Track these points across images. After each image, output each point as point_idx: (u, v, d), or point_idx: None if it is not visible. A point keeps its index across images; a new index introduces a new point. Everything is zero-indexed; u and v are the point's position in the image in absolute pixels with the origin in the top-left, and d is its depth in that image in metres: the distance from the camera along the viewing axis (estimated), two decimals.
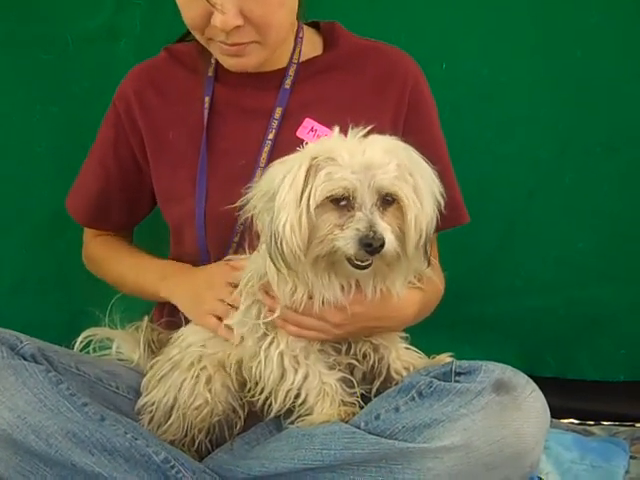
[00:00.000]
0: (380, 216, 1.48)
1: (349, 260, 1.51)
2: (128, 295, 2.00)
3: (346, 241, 1.47)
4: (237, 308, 1.69)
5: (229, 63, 1.80)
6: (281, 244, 1.48)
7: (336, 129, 1.56)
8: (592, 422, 2.43)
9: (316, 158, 1.48)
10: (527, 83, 2.29)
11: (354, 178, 1.46)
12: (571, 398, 2.44)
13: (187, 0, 1.72)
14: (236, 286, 1.70)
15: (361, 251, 1.46)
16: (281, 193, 1.47)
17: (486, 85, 2.29)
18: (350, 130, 1.54)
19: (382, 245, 1.46)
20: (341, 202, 1.48)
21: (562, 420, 2.40)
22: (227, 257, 1.79)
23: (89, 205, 2.04)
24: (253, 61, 1.78)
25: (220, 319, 1.72)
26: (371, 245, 1.45)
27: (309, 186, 1.47)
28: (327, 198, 1.47)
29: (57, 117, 2.30)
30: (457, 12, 2.26)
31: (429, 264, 1.61)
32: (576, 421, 2.43)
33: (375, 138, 1.52)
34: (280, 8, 1.72)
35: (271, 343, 1.65)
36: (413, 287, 1.71)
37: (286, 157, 1.56)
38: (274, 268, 1.54)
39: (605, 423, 2.43)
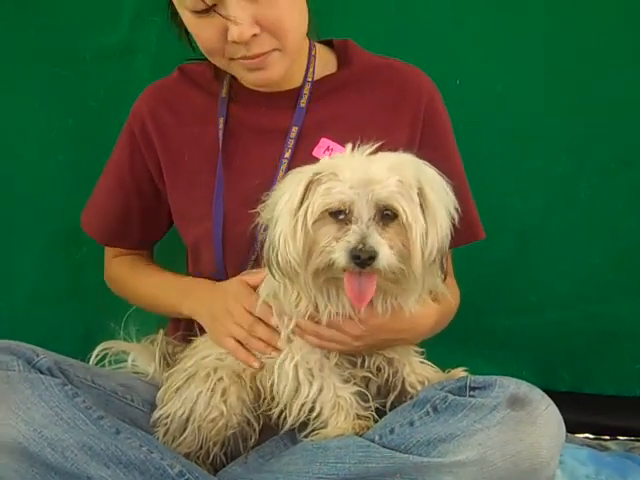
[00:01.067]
0: (378, 231, 1.48)
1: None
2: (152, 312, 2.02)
3: (339, 253, 1.47)
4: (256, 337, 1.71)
5: (253, 78, 1.79)
6: (276, 255, 1.50)
7: (348, 147, 1.57)
8: (608, 437, 2.42)
9: (319, 173, 1.50)
10: (542, 99, 2.29)
11: (352, 192, 1.47)
12: (586, 413, 2.43)
13: (200, 22, 1.71)
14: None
15: (351, 263, 1.46)
16: (279, 205, 1.50)
17: (501, 101, 2.29)
18: (357, 147, 1.55)
19: (372, 258, 1.45)
20: (339, 216, 1.49)
21: (577, 435, 2.39)
22: (244, 272, 1.80)
23: (108, 225, 2.04)
24: (276, 72, 1.77)
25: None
26: (359, 257, 1.45)
27: (308, 200, 1.49)
28: (325, 211, 1.48)
29: (74, 131, 2.32)
30: (472, 29, 2.27)
31: (445, 278, 1.61)
32: (591, 436, 2.42)
33: (384, 155, 1.53)
34: (291, 10, 1.72)
35: (286, 356, 1.65)
36: (428, 302, 1.72)
37: (294, 170, 1.58)
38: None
39: (621, 438, 2.41)
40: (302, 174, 1.52)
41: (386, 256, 1.47)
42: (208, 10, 1.68)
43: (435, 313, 1.76)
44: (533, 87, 2.28)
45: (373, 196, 1.47)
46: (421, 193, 1.51)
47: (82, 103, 2.30)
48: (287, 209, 1.49)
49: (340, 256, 1.47)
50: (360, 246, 1.44)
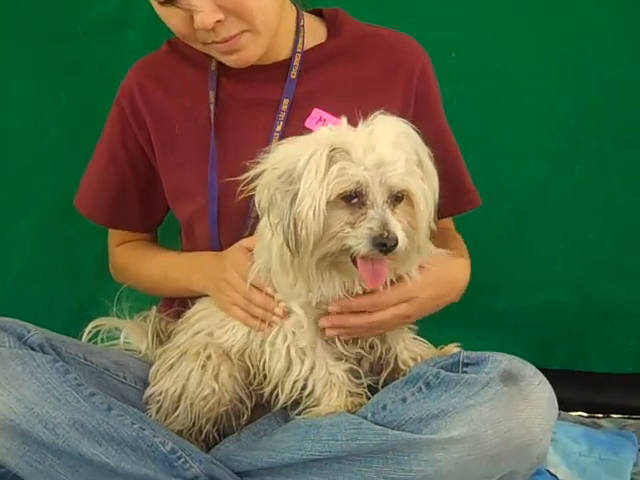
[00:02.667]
0: (391, 214, 1.47)
1: (354, 261, 1.51)
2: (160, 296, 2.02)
3: (358, 240, 1.46)
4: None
5: (230, 60, 1.78)
6: (301, 229, 1.46)
7: (344, 120, 1.55)
8: (601, 415, 2.43)
9: (334, 148, 1.47)
10: (537, 75, 2.28)
11: (367, 175, 1.45)
12: (580, 390, 2.44)
13: (167, 12, 1.71)
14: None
15: (374, 250, 1.45)
16: (307, 178, 1.45)
17: (496, 76, 2.28)
18: (360, 121, 1.53)
19: (396, 244, 1.45)
20: (353, 200, 1.47)
21: (571, 413, 2.39)
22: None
23: (106, 205, 2.00)
24: (251, 52, 1.76)
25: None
26: (385, 245, 1.44)
27: (325, 180, 1.46)
28: (339, 195, 1.46)
29: (66, 106, 2.30)
30: (469, 3, 2.25)
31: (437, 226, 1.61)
32: (585, 414, 2.43)
33: (382, 128, 1.50)
34: None
35: (277, 334, 1.65)
36: (456, 256, 1.76)
37: (297, 138, 1.55)
38: (279, 259, 1.54)
39: (614, 416, 2.42)
40: (318, 145, 1.47)
41: (403, 239, 1.47)
42: (170, 0, 1.67)
43: (467, 266, 1.81)
44: (529, 63, 2.27)
45: (386, 180, 1.46)
46: (420, 163, 1.51)
47: (75, 77, 2.28)
48: (317, 183, 1.45)
49: (361, 243, 1.46)
50: (385, 234, 1.44)
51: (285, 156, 1.52)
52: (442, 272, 1.69)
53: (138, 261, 2.01)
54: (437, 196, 1.55)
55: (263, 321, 1.68)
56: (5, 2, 2.23)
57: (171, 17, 1.72)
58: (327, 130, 1.55)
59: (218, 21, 1.68)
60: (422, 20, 2.21)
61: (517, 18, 2.24)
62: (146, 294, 2.01)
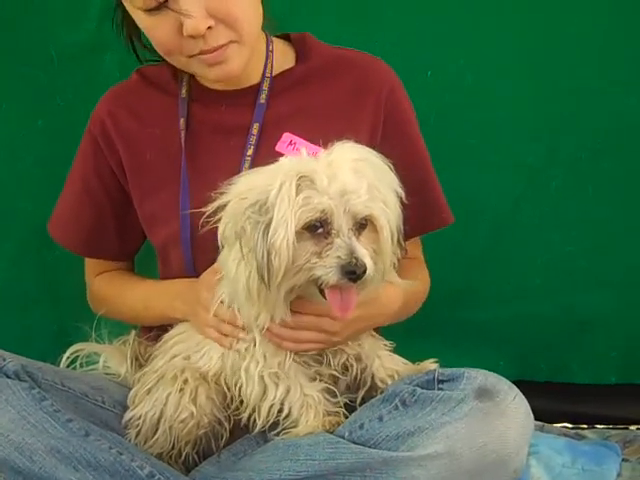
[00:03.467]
0: (357, 242, 1.48)
1: (322, 291, 1.52)
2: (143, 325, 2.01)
3: (327, 270, 1.47)
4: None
5: (214, 74, 1.78)
6: (275, 259, 1.46)
7: (303, 150, 1.56)
8: (585, 426, 2.43)
9: (300, 177, 1.47)
10: (511, 90, 2.29)
11: (331, 203, 1.46)
12: (563, 402, 2.45)
13: (154, 21, 1.71)
14: None
15: (344, 279, 1.46)
16: (280, 207, 1.46)
17: (471, 92, 2.29)
18: (320, 150, 1.54)
19: (364, 272, 1.46)
20: (318, 229, 1.48)
21: (555, 424, 2.40)
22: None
23: (82, 234, 2.00)
24: (236, 64, 1.76)
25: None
26: (354, 272, 1.45)
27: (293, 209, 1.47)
28: (304, 226, 1.47)
29: (42, 130, 2.30)
30: (441, 19, 2.26)
31: (406, 252, 1.63)
32: (570, 425, 2.43)
33: (342, 156, 1.51)
34: (243, 1, 1.72)
35: (250, 361, 1.65)
36: (394, 285, 1.72)
37: (261, 168, 1.56)
38: (246, 291, 1.54)
39: (598, 427, 2.42)
40: (285, 174, 1.48)
41: (371, 266, 1.48)
42: (159, 7, 1.67)
43: (401, 297, 1.78)
44: (503, 78, 2.28)
45: (350, 208, 1.47)
46: (381, 188, 1.52)
47: (51, 103, 2.28)
48: (289, 213, 1.45)
49: (330, 272, 1.46)
50: (354, 261, 1.45)
51: (252, 186, 1.52)
52: (372, 295, 1.65)
53: (118, 292, 2.01)
54: (401, 220, 1.56)
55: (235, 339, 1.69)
56: None
57: (158, 27, 1.72)
58: (288, 160, 1.55)
59: (209, 28, 1.69)
60: (397, 40, 2.23)
61: (490, 35, 2.26)
62: (127, 323, 2.01)
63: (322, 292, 1.52)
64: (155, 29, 1.73)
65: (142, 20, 1.73)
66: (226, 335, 1.70)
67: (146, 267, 2.07)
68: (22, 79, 2.27)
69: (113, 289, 2.03)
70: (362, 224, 1.50)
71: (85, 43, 2.26)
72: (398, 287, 1.74)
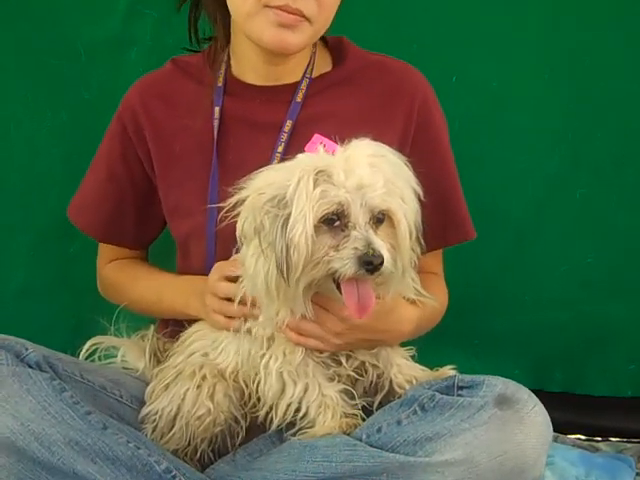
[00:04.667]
0: (374, 234, 1.48)
1: (338, 287, 1.52)
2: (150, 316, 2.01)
3: (344, 261, 1.47)
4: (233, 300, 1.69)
5: (272, 36, 1.76)
6: (294, 253, 1.47)
7: (320, 147, 1.57)
8: (599, 438, 2.42)
9: (318, 172, 1.48)
10: (537, 97, 2.29)
11: (348, 197, 1.47)
12: (579, 413, 2.44)
13: None
14: (231, 279, 1.70)
15: (361, 270, 1.46)
16: (298, 202, 1.46)
17: (496, 99, 2.29)
18: (338, 145, 1.55)
19: (382, 263, 1.46)
20: (335, 223, 1.48)
21: (569, 436, 2.39)
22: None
23: (103, 220, 2.02)
24: (298, 40, 1.77)
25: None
26: (372, 263, 1.45)
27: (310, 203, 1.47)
28: (321, 219, 1.47)
29: (67, 124, 2.31)
30: (467, 25, 2.27)
31: (425, 251, 1.61)
32: (583, 437, 2.42)
33: (359, 151, 1.52)
34: None
35: (269, 358, 1.65)
36: (411, 304, 1.73)
37: (280, 165, 1.58)
38: (266, 287, 1.54)
39: (613, 439, 2.41)
40: (303, 169, 1.49)
41: (388, 258, 1.47)
42: None
43: (416, 319, 1.77)
44: (529, 85, 2.28)
45: (367, 201, 1.47)
46: (397, 184, 1.52)
47: (76, 96, 2.29)
48: (308, 208, 1.46)
49: (347, 264, 1.46)
50: (371, 252, 1.45)
51: (270, 181, 1.53)
52: (386, 308, 1.65)
53: (130, 280, 2.02)
54: (419, 216, 1.55)
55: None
56: (7, 22, 2.25)
57: None
58: (305, 156, 1.56)
59: None
60: (423, 45, 2.23)
61: (516, 41, 2.26)
62: (135, 313, 2.01)
63: (339, 287, 1.52)
64: None
65: None
66: (232, 317, 1.71)
67: (165, 260, 2.07)
68: (49, 72, 2.28)
69: (125, 277, 2.04)
70: (379, 218, 1.50)
71: (112, 38, 2.27)
72: (414, 310, 1.74)
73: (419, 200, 1.56)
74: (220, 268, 1.75)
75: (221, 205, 1.62)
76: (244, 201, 1.55)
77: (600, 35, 2.23)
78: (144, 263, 2.09)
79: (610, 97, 2.27)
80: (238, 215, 1.57)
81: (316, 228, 1.47)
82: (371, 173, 1.48)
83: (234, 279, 1.69)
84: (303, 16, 1.74)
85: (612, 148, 2.30)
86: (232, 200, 1.57)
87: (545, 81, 2.28)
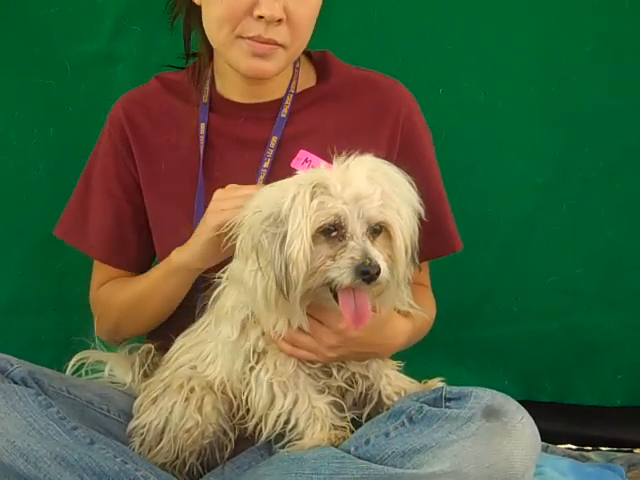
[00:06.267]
0: (371, 245, 1.49)
1: (335, 297, 1.52)
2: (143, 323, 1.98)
3: (341, 271, 1.47)
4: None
5: (248, 65, 1.79)
6: (292, 270, 1.47)
7: (322, 163, 1.58)
8: (590, 447, 2.42)
9: (315, 185, 1.48)
10: (524, 109, 2.31)
11: (345, 208, 1.47)
12: (568, 423, 2.44)
13: None
14: None
15: (358, 280, 1.46)
16: (294, 219, 1.47)
17: (483, 111, 2.31)
18: (335, 159, 1.55)
19: (378, 272, 1.46)
20: (332, 233, 1.49)
21: (559, 445, 2.39)
22: None
23: (105, 240, 1.99)
24: (273, 67, 1.80)
25: None
26: (368, 273, 1.45)
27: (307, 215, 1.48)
28: (319, 229, 1.48)
29: (54, 140, 2.32)
30: (455, 39, 2.28)
31: (420, 270, 1.62)
32: (574, 447, 2.42)
33: (357, 165, 1.52)
34: (314, 14, 1.80)
35: (260, 369, 1.64)
36: (404, 317, 1.73)
37: (278, 182, 1.57)
38: (264, 301, 1.54)
39: (603, 449, 2.41)
40: (299, 185, 1.49)
41: (384, 269, 1.47)
42: None
43: (408, 332, 1.77)
44: (516, 97, 2.30)
45: (364, 213, 1.48)
46: (395, 197, 1.52)
47: (63, 112, 2.30)
48: (304, 224, 1.46)
49: (344, 273, 1.47)
50: (368, 261, 1.45)
51: (266, 199, 1.53)
52: (381, 321, 1.65)
53: (119, 288, 1.98)
54: (416, 230, 1.56)
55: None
56: None
57: None
58: (304, 172, 1.57)
59: (279, 20, 1.73)
60: (410, 58, 2.25)
61: (502, 54, 2.28)
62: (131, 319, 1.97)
63: (336, 297, 1.52)
64: None
65: None
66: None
67: None
68: (35, 88, 2.30)
69: (116, 287, 1.99)
70: (376, 229, 1.50)
71: (98, 54, 2.28)
72: (407, 323, 1.75)
73: (420, 220, 1.57)
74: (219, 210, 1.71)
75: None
76: (242, 220, 1.56)
77: (589, 49, 2.25)
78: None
79: (598, 110, 2.29)
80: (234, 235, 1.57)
81: (314, 238, 1.48)
82: (368, 185, 1.49)
83: None
84: (277, 44, 1.76)
85: (599, 159, 2.32)
86: (232, 219, 1.58)
87: (533, 94, 2.30)
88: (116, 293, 1.99)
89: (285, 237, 1.47)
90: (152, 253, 2.02)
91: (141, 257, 2.03)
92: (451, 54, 2.28)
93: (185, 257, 1.79)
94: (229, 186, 1.73)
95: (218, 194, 1.72)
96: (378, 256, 1.47)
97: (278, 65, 1.80)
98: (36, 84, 2.28)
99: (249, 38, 1.76)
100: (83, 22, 2.26)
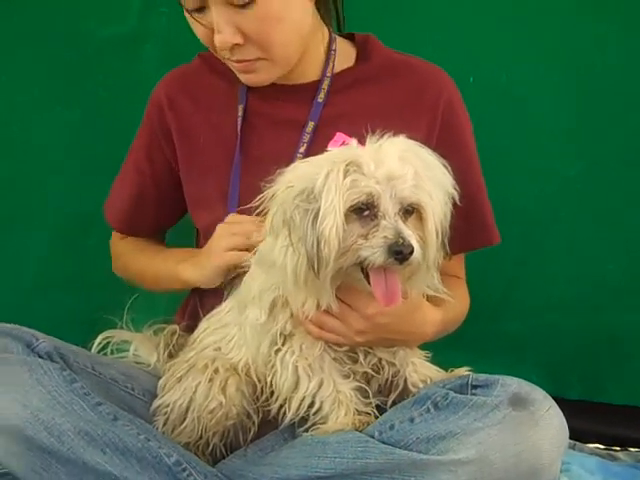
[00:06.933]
0: (403, 225, 1.47)
1: (367, 277, 1.51)
2: (150, 291, 2.02)
3: (374, 250, 1.45)
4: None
5: (243, 78, 1.83)
6: (324, 247, 1.46)
7: (354, 140, 1.56)
8: (618, 448, 2.39)
9: (348, 163, 1.47)
10: (555, 100, 2.28)
11: (378, 187, 1.46)
12: (596, 422, 2.41)
13: (192, 22, 1.75)
14: None
15: (390, 259, 1.45)
16: (327, 195, 1.46)
17: (514, 100, 2.29)
18: (368, 138, 1.54)
19: (411, 252, 1.44)
20: (364, 212, 1.47)
21: (588, 444, 2.35)
22: None
23: (124, 211, 2.06)
24: (264, 77, 1.81)
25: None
26: (401, 252, 1.44)
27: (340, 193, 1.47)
28: (351, 207, 1.46)
29: (83, 119, 2.34)
30: (485, 27, 2.26)
31: (450, 257, 1.60)
32: (602, 446, 2.39)
33: (390, 144, 1.51)
34: (278, 24, 1.72)
35: (286, 352, 1.64)
36: (435, 307, 1.73)
37: (311, 158, 1.56)
38: (294, 279, 1.53)
39: (632, 450, 2.38)
40: (333, 162, 1.48)
41: (417, 249, 1.46)
42: (199, 10, 1.72)
43: (439, 322, 1.76)
44: (547, 88, 2.27)
45: (396, 193, 1.46)
46: (429, 179, 1.51)
47: (91, 92, 2.32)
48: (337, 201, 1.45)
49: (377, 253, 1.45)
50: (401, 241, 1.43)
51: (300, 175, 1.52)
52: (411, 307, 1.65)
53: (134, 252, 2.07)
54: (448, 214, 1.54)
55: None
56: (23, 16, 2.28)
57: (196, 26, 1.76)
58: (338, 149, 1.55)
59: (237, 44, 1.72)
60: (440, 46, 2.23)
61: (534, 43, 2.25)
62: (137, 284, 2.04)
63: (367, 278, 1.50)
64: (194, 26, 1.77)
65: (185, 14, 1.76)
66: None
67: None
68: (64, 68, 2.32)
69: (131, 249, 2.09)
70: (408, 210, 1.48)
71: (127, 34, 2.30)
72: (438, 313, 1.74)
73: (453, 205, 1.55)
74: (230, 234, 1.78)
75: (248, 195, 1.63)
76: (274, 195, 1.54)
77: (615, 34, 2.22)
78: (157, 242, 2.12)
79: (626, 98, 2.24)
80: (266, 210, 1.56)
81: (346, 216, 1.46)
82: (401, 165, 1.47)
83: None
84: (251, 60, 1.76)
85: (630, 151, 2.28)
86: (264, 193, 1.56)
87: (564, 85, 2.26)
88: (128, 255, 2.08)
89: (318, 214, 1.45)
90: (168, 224, 2.11)
91: (156, 229, 2.11)
92: (483, 42, 2.25)
93: (194, 277, 1.86)
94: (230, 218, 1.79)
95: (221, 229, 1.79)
96: (411, 236, 1.46)
97: (268, 75, 1.81)
98: (63, 63, 2.30)
99: (228, 59, 1.78)
100: (112, 2, 2.27)
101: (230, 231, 1.76)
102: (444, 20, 2.26)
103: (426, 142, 1.77)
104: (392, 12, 2.27)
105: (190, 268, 1.86)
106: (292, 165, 1.58)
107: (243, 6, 1.68)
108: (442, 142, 1.87)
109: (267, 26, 1.71)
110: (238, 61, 1.77)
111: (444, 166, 1.54)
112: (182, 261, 1.89)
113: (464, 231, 1.64)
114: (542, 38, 2.24)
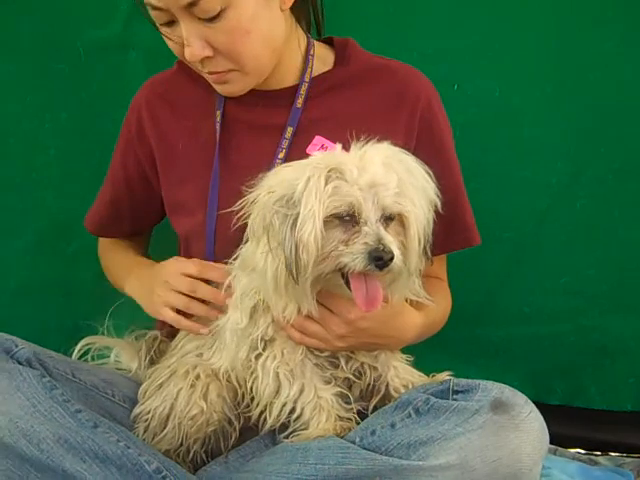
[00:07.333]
0: (385, 231, 1.47)
1: (347, 283, 1.51)
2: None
3: (354, 256, 1.46)
4: (197, 299, 1.74)
5: (218, 89, 1.84)
6: (303, 253, 1.46)
7: (338, 146, 1.56)
8: (599, 452, 2.39)
9: (330, 169, 1.47)
10: (539, 106, 2.27)
11: (360, 195, 1.46)
12: (577, 427, 2.41)
13: (163, 32, 1.76)
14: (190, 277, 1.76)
15: (371, 265, 1.45)
16: (307, 201, 1.46)
17: (498, 107, 2.27)
18: (353, 144, 1.54)
19: (391, 259, 1.45)
20: (345, 218, 1.48)
21: (568, 449, 2.36)
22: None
23: (99, 215, 2.08)
24: (238, 87, 1.81)
25: (180, 312, 1.78)
26: (382, 258, 1.44)
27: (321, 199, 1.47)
28: (333, 214, 1.47)
29: (66, 125, 2.31)
30: (470, 33, 2.25)
31: (432, 263, 1.61)
32: (582, 450, 2.39)
33: (374, 151, 1.51)
34: (247, 36, 1.72)
35: (267, 357, 1.64)
36: (416, 310, 1.73)
37: (294, 163, 1.56)
38: (274, 284, 1.53)
39: (612, 454, 2.38)
40: (314, 168, 1.48)
41: (398, 255, 1.47)
42: (167, 24, 1.73)
43: (420, 325, 1.76)
44: (531, 94, 2.26)
45: (379, 200, 1.47)
46: (412, 186, 1.51)
47: (75, 97, 2.29)
48: (317, 207, 1.45)
49: (357, 259, 1.45)
50: (381, 247, 1.44)
51: (281, 180, 1.52)
52: (392, 312, 1.66)
53: (108, 254, 2.12)
54: (430, 221, 1.55)
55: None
56: (7, 21, 2.26)
57: (167, 41, 1.78)
58: (321, 154, 1.56)
59: (207, 57, 1.72)
60: (423, 53, 2.21)
61: (519, 50, 2.24)
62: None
63: (348, 283, 1.51)
64: (166, 39, 1.78)
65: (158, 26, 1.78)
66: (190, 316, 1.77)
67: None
68: (48, 73, 2.28)
69: (108, 250, 2.13)
70: (389, 217, 1.49)
71: (111, 39, 2.27)
72: (419, 316, 1.74)
73: (436, 212, 1.56)
74: (182, 264, 1.81)
75: (227, 201, 1.64)
76: (255, 200, 1.55)
77: (606, 48, 2.22)
78: (135, 244, 2.13)
79: (612, 107, 2.24)
80: (247, 214, 1.57)
81: (327, 222, 1.47)
82: (384, 172, 1.48)
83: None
84: (223, 72, 1.77)
85: (614, 159, 2.28)
86: (245, 199, 1.56)
87: (547, 90, 2.26)
88: (106, 253, 2.13)
89: (297, 219, 1.46)
90: (146, 228, 2.13)
91: (133, 232, 2.12)
92: (466, 49, 2.24)
93: (136, 299, 1.92)
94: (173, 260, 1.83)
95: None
96: (392, 242, 1.46)
97: (242, 85, 1.81)
98: (49, 69, 2.27)
99: (200, 71, 1.79)
100: (97, 7, 2.25)
101: (178, 282, 1.78)
102: (437, 31, 2.25)
103: (406, 144, 1.79)
104: (374, 16, 2.26)
105: (136, 289, 1.92)
106: (274, 170, 1.58)
107: (211, 20, 1.68)
108: (421, 143, 1.87)
109: (235, 39, 1.71)
110: (210, 73, 1.77)
111: (427, 173, 1.55)
112: (132, 273, 1.95)
113: (445, 232, 1.65)
114: (534, 50, 2.24)
